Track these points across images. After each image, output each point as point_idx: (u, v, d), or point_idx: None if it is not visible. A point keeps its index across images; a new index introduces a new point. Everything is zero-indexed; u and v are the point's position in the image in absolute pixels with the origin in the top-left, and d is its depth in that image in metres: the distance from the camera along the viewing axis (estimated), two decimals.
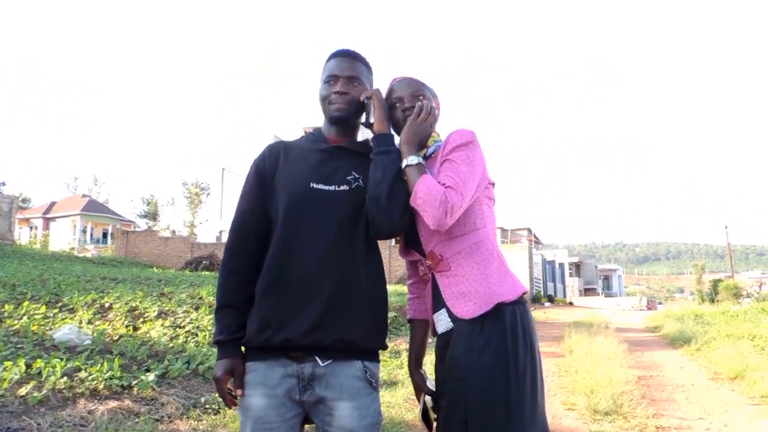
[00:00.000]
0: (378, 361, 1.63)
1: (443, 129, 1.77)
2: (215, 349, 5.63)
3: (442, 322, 1.63)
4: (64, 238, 40.55)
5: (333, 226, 1.57)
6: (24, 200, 48.79)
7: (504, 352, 1.49)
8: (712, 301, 28.93)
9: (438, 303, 1.65)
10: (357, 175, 1.64)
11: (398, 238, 1.76)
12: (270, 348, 1.52)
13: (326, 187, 1.61)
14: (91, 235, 43.38)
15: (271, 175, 1.66)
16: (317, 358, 1.51)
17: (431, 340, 1.74)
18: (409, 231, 1.69)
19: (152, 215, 49.76)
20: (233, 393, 1.56)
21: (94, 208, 45.13)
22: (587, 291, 54.00)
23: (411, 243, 1.72)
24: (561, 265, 45.95)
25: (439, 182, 1.54)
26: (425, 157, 1.69)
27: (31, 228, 44.86)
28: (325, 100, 1.70)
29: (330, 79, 1.69)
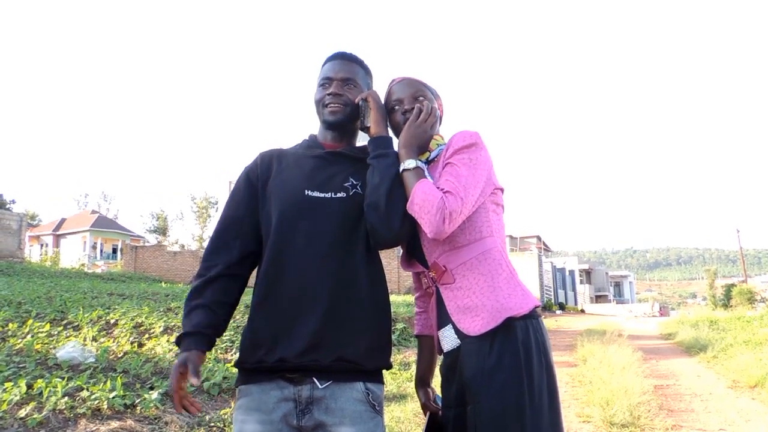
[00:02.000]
0: (382, 382, 1.52)
1: (447, 131, 1.67)
2: (221, 365, 5.57)
3: (448, 339, 1.52)
4: (74, 254, 40.81)
5: (329, 236, 1.47)
6: (32, 217, 49.12)
7: (517, 371, 1.38)
8: (726, 306, 28.60)
9: (443, 318, 1.53)
10: (355, 182, 1.55)
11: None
12: (264, 370, 1.43)
13: (322, 195, 1.52)
14: (101, 251, 43.70)
15: (263, 183, 1.57)
16: (315, 380, 1.41)
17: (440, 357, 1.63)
18: (411, 241, 1.58)
19: (161, 230, 50.02)
20: (188, 397, 1.45)
21: (103, 224, 45.51)
22: (598, 298, 53.58)
23: (414, 253, 1.61)
24: (571, 272, 45.66)
25: (438, 187, 1.44)
26: (428, 162, 1.59)
27: (42, 245, 45.22)
28: (319, 103, 1.63)
29: (325, 82, 1.63)
